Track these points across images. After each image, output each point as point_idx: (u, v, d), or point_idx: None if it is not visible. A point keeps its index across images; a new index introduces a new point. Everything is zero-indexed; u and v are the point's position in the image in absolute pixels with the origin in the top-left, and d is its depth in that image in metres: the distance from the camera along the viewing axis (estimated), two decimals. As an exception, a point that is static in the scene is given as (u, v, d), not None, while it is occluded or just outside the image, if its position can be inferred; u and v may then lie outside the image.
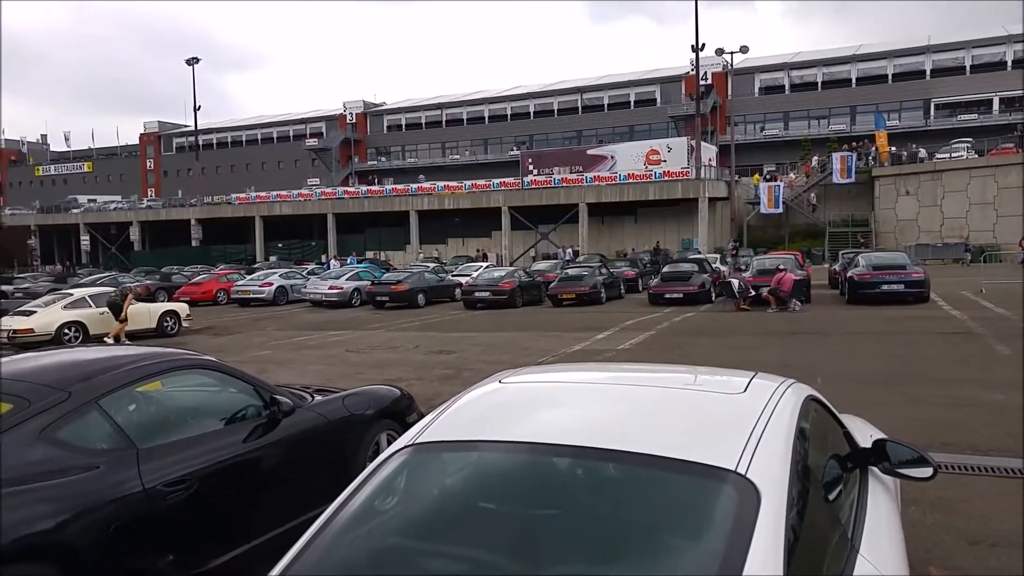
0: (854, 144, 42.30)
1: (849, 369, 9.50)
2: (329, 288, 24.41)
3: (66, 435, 3.14)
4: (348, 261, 35.87)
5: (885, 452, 2.53)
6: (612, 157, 44.11)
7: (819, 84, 51.86)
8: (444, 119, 63.18)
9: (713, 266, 23.90)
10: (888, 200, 37.39)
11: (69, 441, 3.14)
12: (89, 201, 61.79)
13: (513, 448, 2.04)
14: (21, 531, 2.72)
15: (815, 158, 41.79)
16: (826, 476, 2.19)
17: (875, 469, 2.55)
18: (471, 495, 2.08)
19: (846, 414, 3.06)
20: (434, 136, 63.26)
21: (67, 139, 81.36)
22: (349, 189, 51.80)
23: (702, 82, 42.89)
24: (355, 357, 12.53)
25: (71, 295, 16.78)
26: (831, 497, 2.12)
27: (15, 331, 14.91)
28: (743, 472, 1.74)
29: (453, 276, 27.00)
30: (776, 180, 40.45)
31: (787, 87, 52.74)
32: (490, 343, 13.70)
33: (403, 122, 65.09)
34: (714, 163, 42.78)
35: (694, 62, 38.98)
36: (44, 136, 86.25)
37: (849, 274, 18.72)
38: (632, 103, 57.01)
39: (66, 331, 15.26)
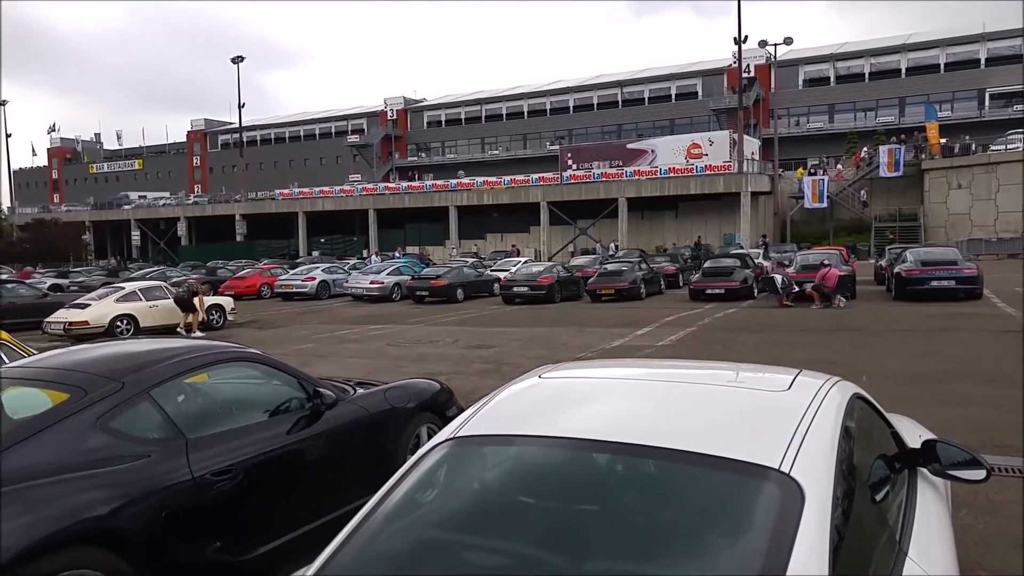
0: (902, 136, 41.09)
1: (896, 367, 9.26)
2: (370, 283, 24.73)
3: (120, 424, 3.25)
4: (395, 256, 36.32)
5: (935, 453, 2.46)
6: (652, 151, 43.66)
7: (866, 75, 50.46)
8: (483, 114, 63.30)
9: (756, 261, 23.51)
10: (939, 194, 36.24)
11: (123, 430, 3.25)
12: (139, 197, 63.64)
13: (553, 443, 2.04)
14: (79, 516, 2.82)
15: (864, 149, 40.70)
16: (873, 476, 2.14)
17: (924, 471, 2.49)
18: (511, 489, 2.09)
19: (894, 413, 2.98)
20: (473, 132, 63.45)
21: (119, 138, 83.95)
22: (390, 185, 52.33)
23: (745, 75, 42.18)
24: (395, 351, 12.68)
25: (123, 289, 17.32)
26: (878, 498, 2.08)
27: (71, 323, 15.46)
28: (786, 471, 1.71)
29: (491, 271, 27.08)
30: (823, 173, 39.49)
31: (832, 79, 51.46)
32: (528, 338, 13.71)
33: (443, 118, 65.43)
34: (757, 157, 42.04)
35: (737, 55, 38.31)
36: (98, 135, 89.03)
37: (896, 270, 18.22)
38: (673, 96, 56.31)
39: (118, 323, 15.76)
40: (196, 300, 15.88)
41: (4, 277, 26.59)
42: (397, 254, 37.62)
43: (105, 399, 3.25)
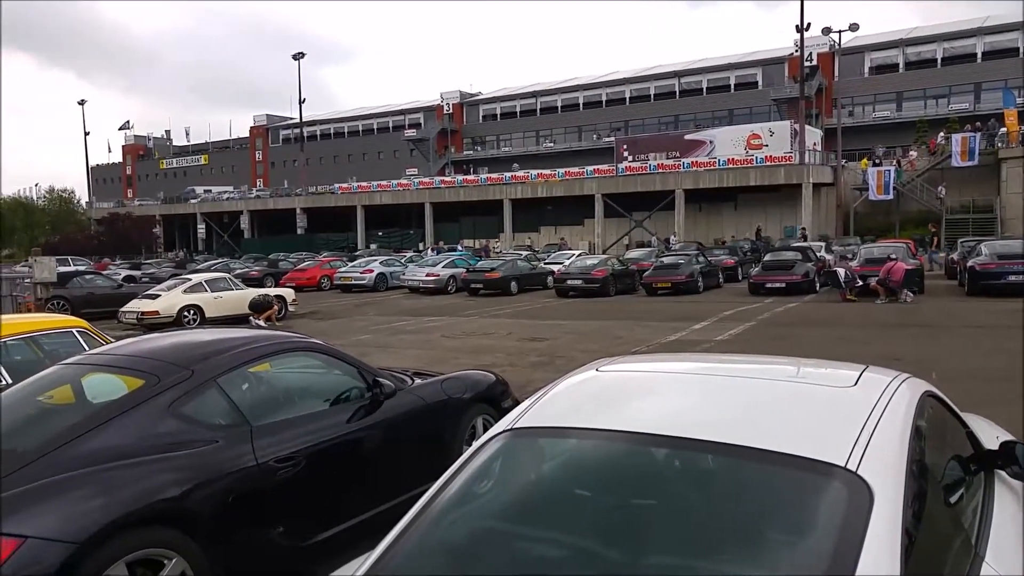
0: (977, 124, 39.14)
1: (969, 365, 8.86)
2: (426, 275, 25.04)
3: (190, 410, 3.38)
4: (457, 249, 36.74)
5: (1015, 455, 2.35)
6: (711, 142, 42.80)
7: (938, 61, 48.20)
8: (538, 107, 63.12)
9: (818, 254, 22.84)
10: (1017, 184, 34.38)
11: (192, 416, 3.38)
12: (205, 192, 65.90)
13: (610, 436, 2.03)
14: (153, 497, 2.95)
15: (941, 134, 38.89)
16: (946, 478, 2.06)
17: (1003, 473, 2.38)
18: (567, 481, 2.09)
19: (968, 413, 2.86)
20: (528, 124, 63.35)
21: (187, 134, 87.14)
22: (445, 179, 52.78)
23: (807, 63, 40.84)
24: (450, 342, 12.81)
25: (190, 280, 17.99)
26: (952, 500, 2.00)
27: (143, 313, 16.15)
28: (853, 469, 1.66)
29: (545, 264, 27.07)
30: (895, 162, 37.92)
31: (902, 65, 49.34)
32: (582, 331, 13.66)
33: (498, 111, 65.54)
34: (819, 147, 40.73)
35: (799, 43, 37.13)
36: (167, 132, 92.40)
37: (970, 263, 17.44)
38: (732, 86, 54.99)
39: (185, 313, 16.39)
40: (267, 312, 16.31)
41: (83, 269, 27.93)
42: (459, 247, 38.11)
43: (176, 386, 3.38)
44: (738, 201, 40.44)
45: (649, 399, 2.29)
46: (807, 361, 2.89)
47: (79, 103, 67.52)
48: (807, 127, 38.54)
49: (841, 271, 17.77)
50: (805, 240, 31.00)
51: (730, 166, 38.44)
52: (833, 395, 2.17)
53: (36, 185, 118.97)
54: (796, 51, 40.44)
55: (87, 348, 5.30)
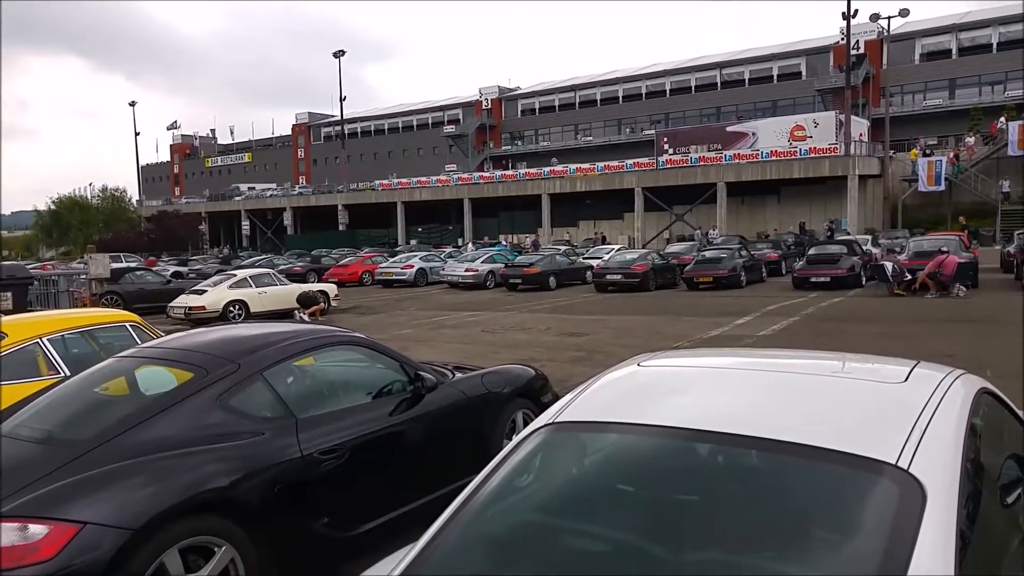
0: (1035, 111, 37.63)
1: (1026, 362, 8.53)
2: (465, 270, 25.18)
3: (237, 403, 3.46)
4: (502, 244, 36.87)
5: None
6: (753, 134, 42.06)
7: (993, 46, 46.41)
8: (577, 101, 62.78)
9: (864, 248, 22.27)
10: (1078, 173, 33.03)
11: (239, 408, 3.46)
12: (249, 189, 67.29)
13: (652, 431, 2.01)
14: (203, 487, 3.04)
15: (1001, 118, 37.42)
16: (1003, 478, 1.99)
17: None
18: (609, 476, 2.08)
19: (1027, 412, 2.76)
20: (567, 119, 63.08)
21: (232, 133, 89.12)
22: (484, 174, 52.92)
23: (853, 51, 39.73)
24: (490, 337, 12.86)
25: (235, 276, 18.40)
26: (1009, 501, 1.94)
27: (190, 308, 16.59)
28: (905, 467, 1.62)
29: (584, 259, 26.95)
30: (951, 151, 36.64)
31: (954, 51, 47.65)
32: (622, 326, 13.57)
33: (536, 106, 65.40)
34: (865, 138, 39.69)
35: (845, 30, 36.16)
36: (213, 131, 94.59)
37: (1028, 256, 16.81)
38: (775, 77, 53.86)
39: (231, 308, 16.78)
40: (314, 308, 16.61)
41: (134, 265, 28.81)
42: (503, 242, 38.27)
43: (224, 379, 3.47)
44: (781, 194, 39.67)
45: (692, 394, 2.26)
46: (854, 356, 2.83)
47: (130, 104, 69.54)
48: (853, 117, 37.57)
49: (889, 265, 17.30)
50: (832, 233, 30.31)
51: (773, 158, 37.72)
52: (882, 391, 2.12)
53: (90, 184, 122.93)
54: (842, 39, 39.41)
55: (139, 342, 5.47)
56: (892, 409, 1.95)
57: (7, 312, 9.55)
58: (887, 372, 2.30)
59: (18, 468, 2.96)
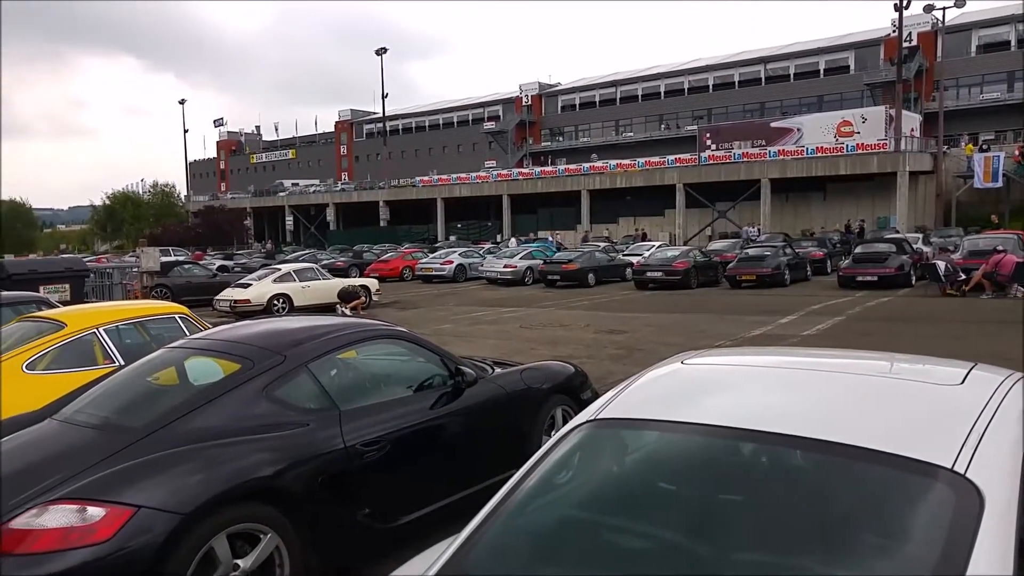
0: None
1: (1087, 367, 8.19)
2: (504, 266, 25.23)
3: (282, 394, 3.54)
4: (548, 240, 36.82)
5: None
6: (798, 130, 41.19)
7: (1057, 36, 44.59)
8: (618, 96, 62.30)
9: (914, 246, 21.63)
10: None
11: (285, 399, 3.53)
12: (292, 185, 68.49)
13: (695, 430, 1.99)
14: (249, 475, 3.11)
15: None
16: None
17: None
18: (651, 474, 2.07)
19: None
20: (608, 114, 62.66)
21: (276, 129, 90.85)
22: (523, 170, 52.90)
23: (906, 44, 38.56)
24: (528, 333, 12.86)
25: (279, 270, 18.76)
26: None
27: (235, 301, 16.97)
28: (961, 471, 1.57)
29: (624, 256, 26.76)
30: (1020, 147, 35.19)
31: (1013, 42, 45.88)
32: (662, 324, 13.44)
33: (577, 101, 65.11)
34: (917, 134, 38.49)
35: (897, 22, 35.11)
36: (258, 128, 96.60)
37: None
38: (822, 71, 52.62)
39: (275, 302, 17.11)
40: (354, 302, 16.87)
41: (182, 259, 29.58)
42: (549, 239, 38.29)
43: (270, 370, 3.54)
44: (827, 191, 38.77)
45: (736, 392, 2.23)
46: (904, 357, 2.75)
47: (179, 102, 71.48)
48: (905, 112, 36.47)
49: (941, 264, 16.78)
50: (862, 232, 29.50)
51: (819, 154, 36.86)
52: (937, 393, 2.06)
53: (142, 180, 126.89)
54: (894, 31, 38.29)
55: (188, 333, 5.62)
56: (948, 412, 1.89)
57: (65, 303, 9.90)
58: (942, 374, 2.23)
59: (76, 452, 3.09)
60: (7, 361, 5.14)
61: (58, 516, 2.70)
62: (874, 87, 47.75)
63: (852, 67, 51.20)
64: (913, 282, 18.39)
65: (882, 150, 34.88)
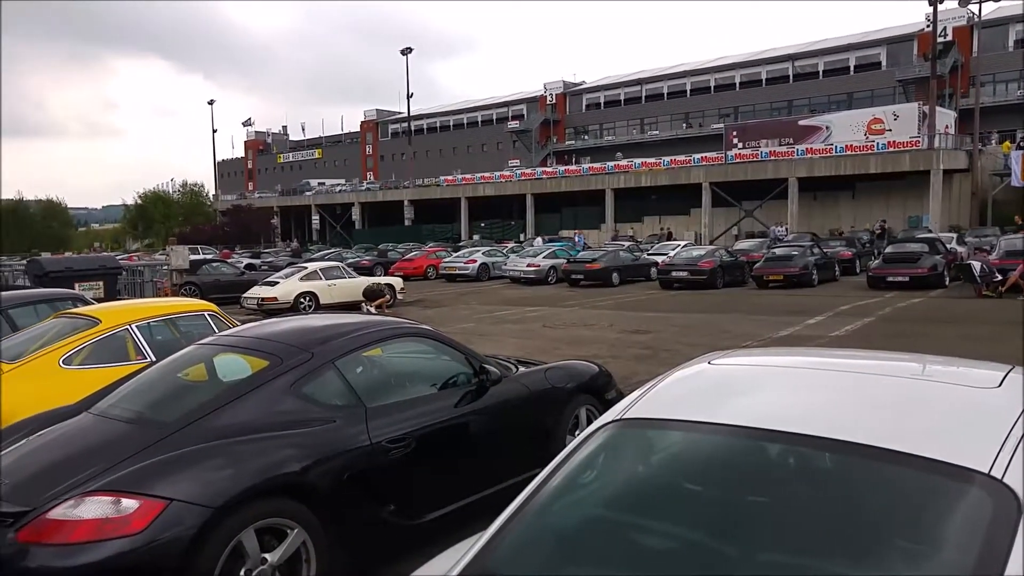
0: None
1: None
2: (527, 266, 25.22)
3: (310, 390, 3.57)
4: (576, 239, 36.71)
5: None
6: (827, 128, 40.62)
7: (1098, 30, 43.37)
8: (643, 95, 61.92)
9: (948, 246, 21.20)
10: None
11: (312, 396, 3.57)
12: (319, 184, 69.13)
13: (722, 431, 1.97)
14: (277, 470, 3.15)
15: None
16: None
17: None
18: (677, 474, 2.06)
19: None
20: (633, 113, 62.31)
21: (303, 129, 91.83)
22: (547, 169, 52.82)
23: (941, 38, 37.79)
24: (552, 332, 12.85)
25: (306, 268, 18.96)
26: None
27: (263, 299, 17.19)
28: (999, 476, 1.54)
29: (649, 255, 26.60)
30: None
31: (1052, 37, 44.76)
32: (687, 324, 13.34)
33: (601, 100, 64.84)
34: (951, 131, 37.70)
35: (931, 17, 34.42)
36: (284, 128, 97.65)
37: None
38: (852, 68, 51.77)
39: (302, 300, 17.30)
40: (379, 300, 16.98)
41: (211, 257, 30.02)
42: (579, 237, 38.23)
43: (298, 367, 3.58)
44: (856, 189, 38.17)
45: (764, 393, 2.21)
46: (937, 359, 2.69)
47: (208, 103, 72.54)
48: (939, 108, 35.73)
49: (976, 264, 16.43)
50: (883, 232, 28.93)
51: (848, 153, 36.28)
52: (972, 396, 2.02)
53: (171, 179, 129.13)
54: (927, 26, 37.57)
55: (216, 330, 5.70)
56: (983, 415, 1.85)
57: (99, 300, 10.11)
58: (977, 376, 2.19)
59: (111, 445, 3.16)
60: (45, 356, 5.27)
61: (94, 507, 2.77)
62: (907, 83, 46.86)
63: (884, 63, 50.30)
64: (947, 283, 18.04)
65: (915, 148, 34.24)
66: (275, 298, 17.11)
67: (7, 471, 3.12)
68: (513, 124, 66.78)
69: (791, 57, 54.61)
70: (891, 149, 35.01)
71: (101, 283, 13.97)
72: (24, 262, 20.24)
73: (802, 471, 1.87)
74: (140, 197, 74.22)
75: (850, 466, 1.76)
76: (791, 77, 54.38)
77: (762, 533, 1.72)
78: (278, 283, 17.87)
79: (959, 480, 1.57)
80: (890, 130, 37.28)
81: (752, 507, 1.84)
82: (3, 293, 8.54)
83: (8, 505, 2.85)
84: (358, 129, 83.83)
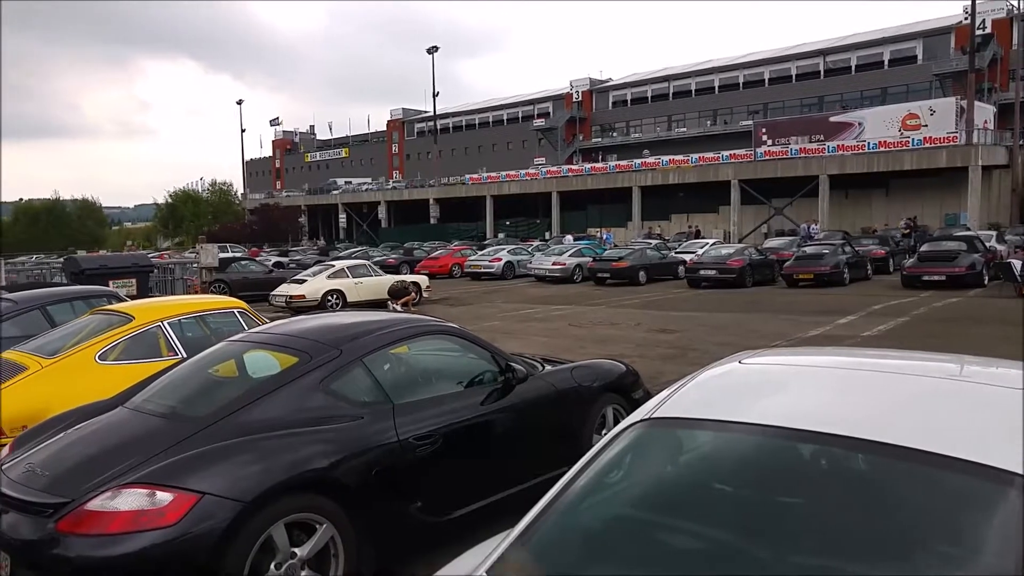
0: None
1: None
2: (552, 264, 25.17)
3: (338, 387, 3.61)
4: (605, 237, 36.60)
5: None
6: (859, 124, 39.89)
7: None
8: (671, 91, 61.39)
9: (987, 244, 20.69)
10: None
11: (340, 392, 3.60)
12: (345, 183, 69.72)
13: (752, 430, 1.95)
14: (306, 466, 3.19)
15: None
16: None
17: None
18: (706, 474, 2.04)
19: None
20: (660, 110, 61.81)
21: (330, 128, 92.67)
22: (573, 167, 52.65)
23: (979, 31, 36.87)
24: (577, 331, 12.81)
25: (333, 266, 19.14)
26: None
27: (291, 296, 17.39)
28: None
29: (676, 253, 26.40)
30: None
31: (1098, 27, 43.40)
32: (715, 323, 13.21)
33: (628, 97, 64.42)
34: (991, 126, 36.79)
35: (968, 9, 33.60)
36: (312, 127, 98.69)
37: None
38: (886, 62, 50.73)
39: (329, 297, 17.48)
40: (405, 298, 17.10)
41: (239, 255, 30.45)
42: (606, 236, 38.15)
43: (327, 364, 3.62)
44: (890, 187, 37.44)
45: (795, 393, 2.18)
46: (975, 359, 2.63)
47: (237, 103, 73.59)
48: (977, 103, 34.86)
49: (1017, 263, 16.01)
50: (912, 231, 28.29)
51: (881, 149, 35.59)
52: (1011, 397, 1.97)
53: (201, 178, 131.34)
54: (965, 18, 36.71)
55: (246, 327, 5.78)
56: (1021, 416, 1.80)
57: (132, 297, 10.32)
58: (1015, 377, 2.13)
59: (146, 439, 3.23)
60: (82, 352, 5.39)
61: (130, 499, 2.83)
62: (943, 77, 45.78)
63: (920, 57, 49.22)
64: (985, 282, 17.63)
65: (952, 143, 33.48)
66: (303, 296, 17.30)
67: (47, 463, 3.20)
68: (539, 122, 66.65)
69: (822, 52, 53.70)
70: (927, 145, 34.29)
71: (134, 280, 14.27)
72: (61, 260, 20.74)
73: (834, 472, 1.85)
74: (170, 196, 75.53)
75: (883, 467, 1.73)
76: (822, 73, 53.47)
77: (794, 535, 1.70)
78: (306, 281, 18.07)
79: (998, 483, 1.53)
80: (926, 125, 36.51)
81: (783, 508, 1.81)
82: (42, 290, 8.76)
83: (49, 496, 2.93)
84: (384, 128, 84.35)
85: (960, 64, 40.03)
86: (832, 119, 42.20)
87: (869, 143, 36.56)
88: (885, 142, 35.87)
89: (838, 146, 37.69)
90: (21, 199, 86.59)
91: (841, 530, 1.67)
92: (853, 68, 52.09)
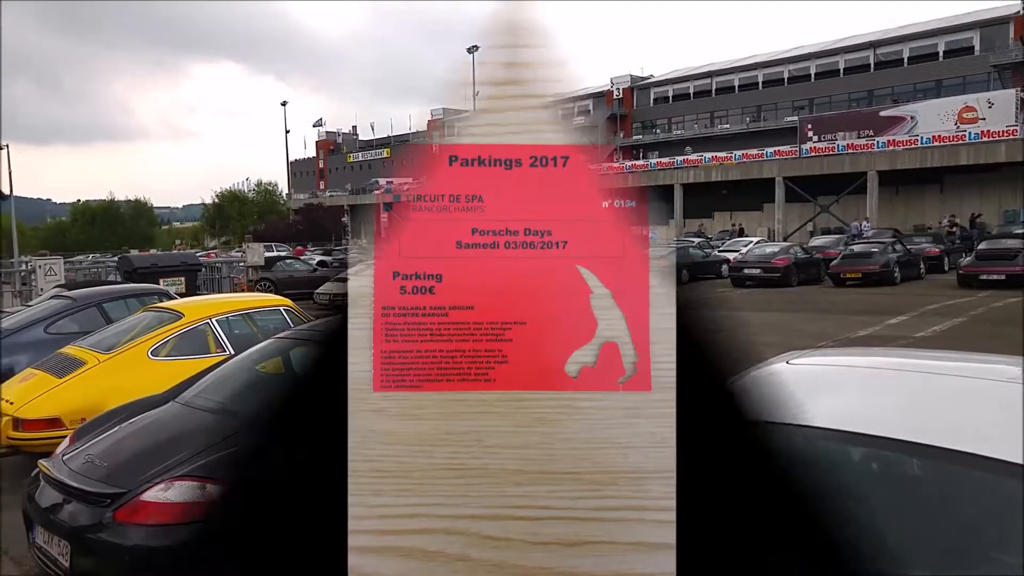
0: None
1: None
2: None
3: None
4: (651, 239, 36.37)
5: None
6: (912, 118, 38.76)
7: None
8: (713, 88, 60.55)
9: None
10: None
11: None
12: (387, 183, 70.55)
13: (800, 433, 1.91)
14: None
15: None
16: None
17: None
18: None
19: None
20: (702, 106, 61.01)
21: (372, 129, 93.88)
22: (613, 164, 52.32)
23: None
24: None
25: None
26: None
27: (335, 295, 17.66)
28: None
29: (719, 252, 26.03)
30: None
31: None
32: (759, 323, 12.99)
33: (670, 93, 63.76)
34: (1052, 118, 35.37)
35: (1027, -3, 32.38)
36: (354, 127, 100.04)
37: None
38: (940, 54, 49.12)
39: (372, 295, 17.68)
40: None
41: (284, 254, 31.07)
42: (651, 234, 37.92)
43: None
44: (944, 183, 36.30)
45: (845, 394, 2.13)
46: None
47: (281, 104, 75.04)
48: (1037, 95, 33.57)
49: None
50: (953, 228, 27.33)
51: (935, 144, 34.53)
52: None
53: (247, 179, 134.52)
54: None
55: (292, 325, 5.90)
56: None
57: (181, 295, 10.63)
58: None
59: (196, 433, 3.33)
60: (136, 348, 5.58)
61: (183, 491, 2.92)
62: (1003, 68, 44.12)
63: (977, 48, 47.53)
64: (1049, 282, 16.98)
65: (1012, 137, 32.28)
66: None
67: (105, 455, 3.32)
68: (579, 119, 66.03)
69: (872, 44, 52.28)
70: (985, 139, 33.14)
71: (183, 279, 14.68)
72: (115, 259, 21.48)
73: (887, 476, 1.81)
74: (217, 196, 77.46)
75: (941, 473, 1.68)
76: (872, 66, 52.04)
77: (846, 541, 1.67)
78: (349, 279, 18.32)
79: None
80: (983, 119, 35.28)
81: (834, 512, 1.78)
82: (98, 288, 9.08)
83: (107, 487, 3.04)
84: (425, 128, 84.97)
85: (1020, 55, 38.63)
86: (882, 113, 41.09)
87: (922, 138, 35.50)
88: (939, 136, 34.79)
89: (888, 141, 36.69)
90: (79, 200, 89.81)
91: (895, 535, 1.63)
92: (905, 60, 50.56)
